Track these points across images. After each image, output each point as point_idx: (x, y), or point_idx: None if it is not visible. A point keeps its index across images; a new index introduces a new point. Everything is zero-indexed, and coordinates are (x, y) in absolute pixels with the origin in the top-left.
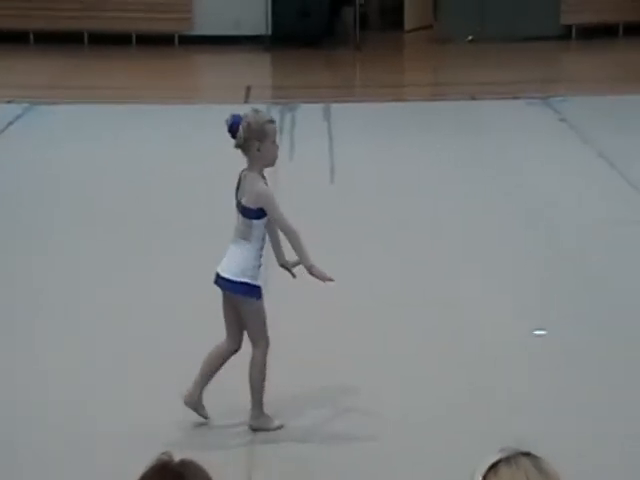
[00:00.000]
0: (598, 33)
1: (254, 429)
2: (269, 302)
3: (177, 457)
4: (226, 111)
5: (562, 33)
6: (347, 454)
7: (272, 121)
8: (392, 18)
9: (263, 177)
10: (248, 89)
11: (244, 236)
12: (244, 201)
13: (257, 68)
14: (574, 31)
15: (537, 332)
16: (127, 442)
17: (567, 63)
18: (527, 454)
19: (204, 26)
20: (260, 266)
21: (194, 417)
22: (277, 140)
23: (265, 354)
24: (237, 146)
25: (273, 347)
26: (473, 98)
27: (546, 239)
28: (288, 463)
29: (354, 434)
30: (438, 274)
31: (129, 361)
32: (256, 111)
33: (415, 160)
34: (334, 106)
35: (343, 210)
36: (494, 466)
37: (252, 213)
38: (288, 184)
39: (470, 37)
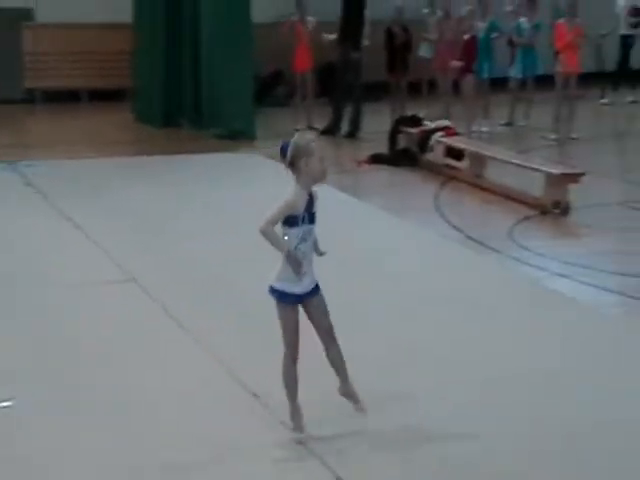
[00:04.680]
0: (63, 97)
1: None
2: None
3: None
4: None
5: (26, 97)
6: None
7: (314, 139)
8: None
9: (309, 195)
10: None
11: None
12: None
13: None
14: (38, 95)
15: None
16: None
17: (33, 127)
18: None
19: None
20: (301, 274)
21: None
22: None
23: (287, 358)
24: (287, 165)
25: None
26: None
27: (24, 302)
28: None
29: None
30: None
31: None
32: (301, 133)
33: None
34: None
35: None
36: None
37: (283, 220)
38: None
39: None
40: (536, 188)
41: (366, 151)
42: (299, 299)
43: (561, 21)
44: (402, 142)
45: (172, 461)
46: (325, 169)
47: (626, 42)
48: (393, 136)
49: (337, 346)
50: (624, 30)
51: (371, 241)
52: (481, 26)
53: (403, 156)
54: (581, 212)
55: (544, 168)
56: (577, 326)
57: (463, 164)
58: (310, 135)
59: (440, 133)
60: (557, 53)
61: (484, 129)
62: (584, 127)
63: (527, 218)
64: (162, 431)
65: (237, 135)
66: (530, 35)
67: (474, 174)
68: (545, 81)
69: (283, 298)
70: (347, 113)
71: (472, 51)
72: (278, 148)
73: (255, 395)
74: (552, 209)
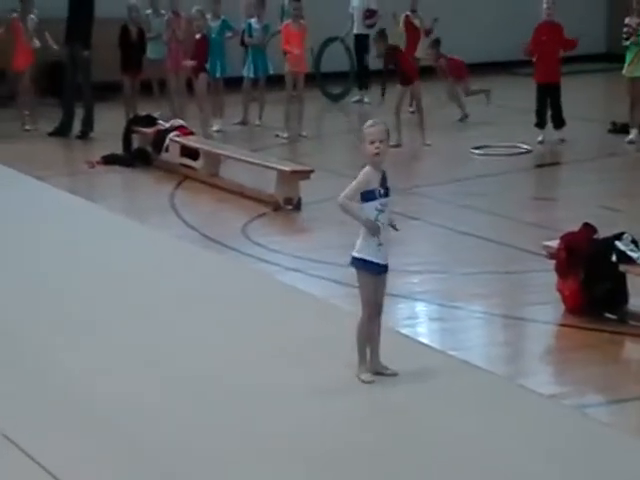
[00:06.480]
0: None
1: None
2: None
3: None
4: None
5: None
6: None
7: (372, 125)
8: None
9: (379, 170)
10: None
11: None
12: None
13: None
14: None
15: None
16: None
17: None
18: None
19: None
20: (380, 245)
21: None
22: (378, 142)
23: (364, 316)
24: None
25: None
26: None
27: None
28: None
29: None
30: None
31: None
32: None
33: None
34: None
35: None
36: None
37: (360, 197)
38: None
39: None
40: (270, 185)
41: (99, 152)
42: (378, 270)
43: (287, 22)
44: (136, 142)
45: None
46: (375, 152)
47: (360, 42)
48: (127, 136)
49: (380, 321)
50: (357, 30)
51: (109, 245)
52: (214, 26)
53: (138, 156)
54: (311, 207)
55: (276, 165)
56: (300, 312)
57: (199, 163)
58: (370, 122)
59: (175, 133)
60: (285, 53)
61: (219, 128)
62: (316, 125)
63: (261, 215)
64: None
65: None
66: (260, 36)
67: (209, 173)
68: (277, 81)
69: (365, 266)
70: (78, 113)
71: (203, 50)
72: None
73: None
74: (285, 205)
